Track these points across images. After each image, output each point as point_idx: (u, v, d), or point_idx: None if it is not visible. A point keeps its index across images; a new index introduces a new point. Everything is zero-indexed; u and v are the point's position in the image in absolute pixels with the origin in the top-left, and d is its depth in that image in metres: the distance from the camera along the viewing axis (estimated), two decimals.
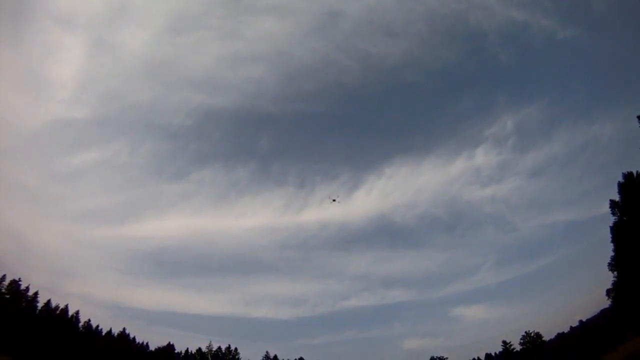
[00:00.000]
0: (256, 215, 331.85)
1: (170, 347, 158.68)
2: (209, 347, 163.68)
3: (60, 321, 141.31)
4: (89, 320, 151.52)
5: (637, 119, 79.92)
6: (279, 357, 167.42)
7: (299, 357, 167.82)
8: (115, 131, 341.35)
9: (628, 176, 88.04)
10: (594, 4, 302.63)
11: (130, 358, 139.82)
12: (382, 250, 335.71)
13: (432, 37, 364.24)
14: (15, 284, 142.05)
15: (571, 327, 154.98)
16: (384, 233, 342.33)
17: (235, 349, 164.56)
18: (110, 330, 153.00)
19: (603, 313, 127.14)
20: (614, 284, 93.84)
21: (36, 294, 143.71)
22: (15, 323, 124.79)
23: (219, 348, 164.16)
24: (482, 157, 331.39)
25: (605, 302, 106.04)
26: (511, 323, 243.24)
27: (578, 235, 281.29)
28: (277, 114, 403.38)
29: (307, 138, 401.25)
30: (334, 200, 79.09)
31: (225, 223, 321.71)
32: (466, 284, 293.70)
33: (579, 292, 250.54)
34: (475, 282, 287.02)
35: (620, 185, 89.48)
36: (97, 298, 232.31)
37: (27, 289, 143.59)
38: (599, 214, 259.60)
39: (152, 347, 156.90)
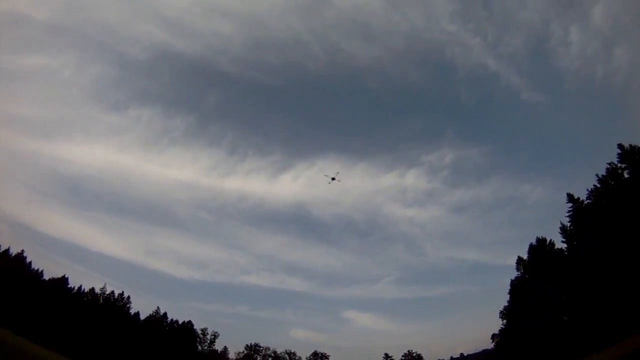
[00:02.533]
0: (181, 169, 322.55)
1: (63, 280, 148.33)
2: (103, 289, 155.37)
3: None
4: None
5: (566, 195, 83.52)
6: (169, 315, 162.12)
7: (188, 319, 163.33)
8: (68, 43, 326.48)
9: (540, 241, 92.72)
10: (566, 82, 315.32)
11: (22, 284, 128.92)
12: (293, 237, 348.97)
13: (406, 54, 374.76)
14: None
15: (452, 357, 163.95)
16: (299, 221, 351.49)
17: (128, 297, 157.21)
18: (8, 249, 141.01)
19: (484, 352, 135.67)
20: (501, 330, 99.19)
21: None
22: None
23: (112, 292, 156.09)
24: (413, 179, 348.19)
25: (488, 344, 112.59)
26: (397, 339, 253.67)
27: (481, 277, 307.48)
28: (233, 75, 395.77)
29: (253, 108, 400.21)
30: (333, 179, 74.98)
31: (150, 168, 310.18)
32: (364, 291, 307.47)
33: (466, 328, 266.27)
34: (373, 292, 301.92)
35: (531, 246, 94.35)
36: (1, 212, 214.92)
37: None
38: (504, 264, 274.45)
39: (46, 277, 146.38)
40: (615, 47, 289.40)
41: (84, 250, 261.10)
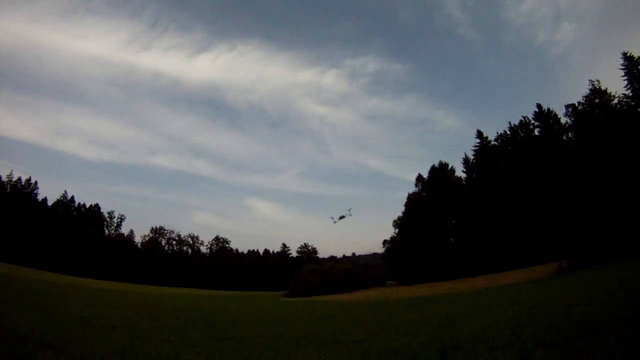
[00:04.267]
0: (97, 42, 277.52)
1: None
2: (9, 176, 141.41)
3: None
4: None
5: (476, 131, 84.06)
6: (76, 199, 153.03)
7: (95, 203, 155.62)
8: None
9: (442, 165, 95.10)
10: (506, 34, 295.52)
11: None
12: (203, 120, 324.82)
13: None
14: None
15: (344, 255, 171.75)
16: (212, 105, 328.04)
17: (35, 182, 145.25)
18: None
19: (374, 256, 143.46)
20: (392, 238, 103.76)
21: None
22: None
23: (19, 179, 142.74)
24: (332, 79, 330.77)
25: (379, 248, 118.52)
26: (295, 231, 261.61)
27: (380, 186, 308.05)
28: None
29: None
30: (341, 217, 66.79)
31: (63, 41, 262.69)
32: (269, 180, 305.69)
33: (361, 231, 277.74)
34: (277, 183, 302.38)
35: (432, 167, 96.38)
36: None
37: None
38: (404, 178, 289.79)
39: None
40: (565, 21, 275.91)
41: None
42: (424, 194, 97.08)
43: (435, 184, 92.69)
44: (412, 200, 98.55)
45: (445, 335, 12.26)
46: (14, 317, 15.73)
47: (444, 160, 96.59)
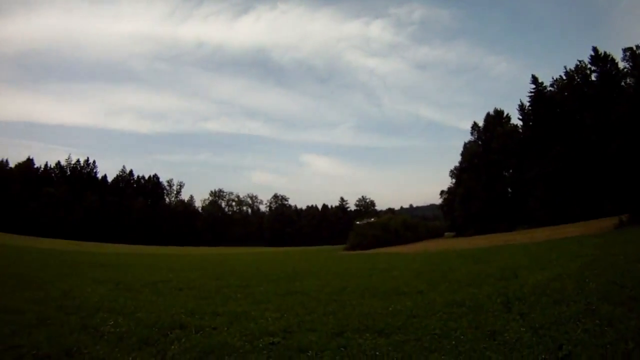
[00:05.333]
0: (134, 21, 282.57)
1: (29, 162, 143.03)
2: (68, 160, 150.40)
3: None
4: None
5: (531, 77, 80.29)
6: (134, 172, 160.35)
7: (153, 173, 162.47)
8: None
9: (498, 112, 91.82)
10: None
11: None
12: (252, 81, 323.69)
13: None
14: None
15: (402, 207, 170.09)
16: (258, 65, 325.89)
17: (94, 162, 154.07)
18: None
19: (431, 207, 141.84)
20: (450, 188, 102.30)
21: None
22: None
23: (78, 161, 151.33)
24: (379, 29, 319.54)
25: (436, 199, 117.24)
26: (352, 184, 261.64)
27: (434, 136, 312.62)
28: None
29: None
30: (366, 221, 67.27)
31: (100, 24, 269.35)
32: (322, 135, 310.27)
33: (417, 182, 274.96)
34: (331, 137, 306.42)
35: (488, 115, 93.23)
36: None
37: None
38: (458, 127, 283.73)
39: (12, 164, 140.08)
40: None
41: (43, 126, 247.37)
42: (479, 142, 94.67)
43: (491, 132, 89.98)
44: (468, 149, 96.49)
45: (508, 287, 12.25)
46: (85, 288, 16.43)
47: (499, 107, 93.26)
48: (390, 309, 10.96)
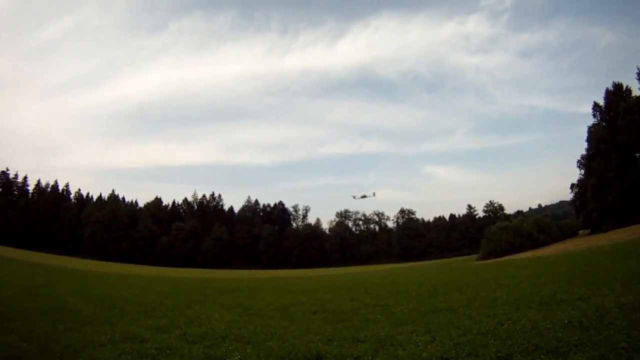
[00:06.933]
0: (238, 63, 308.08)
1: (158, 201, 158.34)
2: (194, 195, 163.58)
3: (51, 198, 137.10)
4: (79, 190, 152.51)
5: None
6: (260, 201, 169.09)
7: (278, 200, 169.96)
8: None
9: (617, 86, 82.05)
10: None
11: (119, 216, 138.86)
12: (361, 101, 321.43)
13: None
14: (3, 175, 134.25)
15: (530, 208, 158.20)
16: (365, 84, 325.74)
17: (219, 195, 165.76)
18: (100, 195, 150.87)
19: (560, 204, 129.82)
20: (579, 180, 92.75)
21: (25, 178, 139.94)
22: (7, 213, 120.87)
23: (204, 196, 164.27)
24: (474, 25, 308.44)
25: (566, 195, 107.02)
26: (476, 190, 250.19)
27: (554, 125, 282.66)
28: None
29: None
30: (363, 197, 68.10)
31: (207, 72, 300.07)
32: (440, 144, 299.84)
33: (542, 179, 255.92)
34: (449, 145, 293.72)
35: (607, 91, 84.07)
36: (86, 166, 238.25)
37: (16, 176, 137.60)
38: (577, 111, 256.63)
39: (141, 204, 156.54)
40: None
41: (167, 168, 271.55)
42: (603, 124, 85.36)
43: (615, 110, 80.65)
44: (593, 133, 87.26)
45: None
46: (212, 315, 16.13)
47: (617, 80, 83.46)
48: (554, 320, 9.93)
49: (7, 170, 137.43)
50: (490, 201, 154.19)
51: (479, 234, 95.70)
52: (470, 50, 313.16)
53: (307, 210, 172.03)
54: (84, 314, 16.05)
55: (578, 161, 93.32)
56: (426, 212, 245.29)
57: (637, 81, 77.40)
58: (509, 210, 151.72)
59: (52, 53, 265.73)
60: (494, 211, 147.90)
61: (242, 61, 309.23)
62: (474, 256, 79.40)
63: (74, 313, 16.04)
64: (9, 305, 16.93)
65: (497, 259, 61.01)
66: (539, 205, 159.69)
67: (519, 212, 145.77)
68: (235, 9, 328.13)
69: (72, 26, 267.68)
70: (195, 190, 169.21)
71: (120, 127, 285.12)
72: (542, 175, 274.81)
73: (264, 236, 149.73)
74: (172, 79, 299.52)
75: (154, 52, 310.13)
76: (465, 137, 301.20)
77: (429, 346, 9.21)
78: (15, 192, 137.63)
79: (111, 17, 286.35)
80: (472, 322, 11.73)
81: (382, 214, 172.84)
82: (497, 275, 27.22)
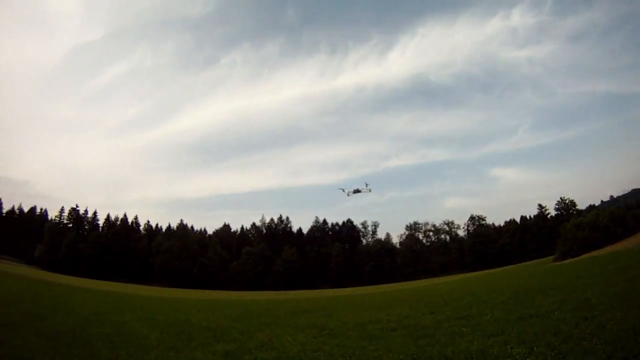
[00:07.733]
0: (292, 87, 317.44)
1: (226, 227, 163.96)
2: (262, 220, 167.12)
3: (121, 230, 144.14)
4: (148, 221, 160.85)
5: None
6: (328, 220, 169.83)
7: (347, 218, 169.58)
8: (133, 39, 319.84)
9: None
10: None
11: (189, 244, 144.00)
12: (418, 110, 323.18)
13: None
14: (73, 211, 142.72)
15: (602, 201, 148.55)
16: (420, 93, 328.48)
17: (287, 217, 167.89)
18: (169, 225, 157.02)
19: (632, 193, 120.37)
20: None
21: (95, 213, 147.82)
22: (78, 246, 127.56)
23: (272, 219, 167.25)
24: (519, 17, 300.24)
25: (638, 183, 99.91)
26: (545, 188, 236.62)
27: (617, 108, 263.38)
28: None
29: (333, 2, 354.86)
30: (356, 192, 66.56)
31: (262, 99, 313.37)
32: (503, 145, 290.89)
33: (612, 167, 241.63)
34: (512, 144, 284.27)
35: None
36: (153, 198, 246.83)
37: (86, 211, 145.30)
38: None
39: (210, 231, 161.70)
40: None
41: (234, 195, 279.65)
42: None
43: None
44: None
45: None
46: (284, 337, 15.74)
47: None
48: None
49: (77, 206, 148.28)
50: (561, 198, 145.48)
51: (553, 233, 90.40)
52: (519, 43, 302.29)
53: (376, 225, 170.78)
54: (149, 339, 16.26)
55: None
56: (497, 217, 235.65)
57: None
58: (580, 205, 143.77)
59: (110, 96, 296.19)
60: (566, 208, 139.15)
61: (295, 85, 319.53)
62: (550, 258, 74.92)
63: (138, 339, 16.34)
64: (72, 331, 17.28)
65: (576, 258, 57.38)
66: (611, 197, 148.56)
67: (591, 207, 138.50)
68: (282, 36, 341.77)
69: (127, 70, 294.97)
70: (263, 215, 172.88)
71: (184, 159, 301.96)
72: (610, 164, 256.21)
73: (334, 255, 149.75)
74: (230, 109, 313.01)
75: (208, 86, 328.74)
76: (527, 134, 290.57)
77: (527, 359, 8.64)
78: (86, 227, 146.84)
79: (163, 57, 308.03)
80: (569, 326, 11.03)
81: (452, 223, 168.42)
82: (582, 275, 25.67)
